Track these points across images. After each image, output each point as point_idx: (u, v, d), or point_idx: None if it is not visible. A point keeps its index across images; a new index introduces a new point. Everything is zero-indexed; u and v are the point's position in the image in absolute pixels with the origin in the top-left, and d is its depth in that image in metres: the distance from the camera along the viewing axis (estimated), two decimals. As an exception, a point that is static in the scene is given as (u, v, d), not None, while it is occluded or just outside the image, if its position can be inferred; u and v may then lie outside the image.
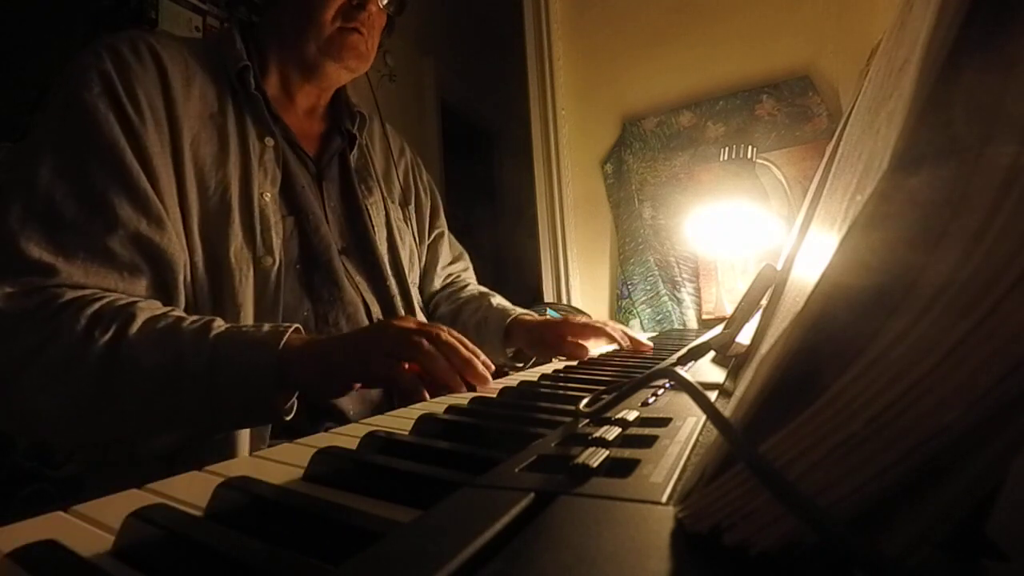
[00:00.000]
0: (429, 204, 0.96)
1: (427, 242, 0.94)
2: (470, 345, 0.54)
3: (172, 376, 0.49)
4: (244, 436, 0.58)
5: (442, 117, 2.40)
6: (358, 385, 0.53)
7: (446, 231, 0.98)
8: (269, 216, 0.65)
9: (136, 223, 0.55)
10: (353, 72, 0.74)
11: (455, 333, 0.53)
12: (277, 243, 0.64)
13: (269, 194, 0.66)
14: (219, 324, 0.52)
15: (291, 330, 0.52)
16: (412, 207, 0.91)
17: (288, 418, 0.52)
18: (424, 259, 0.94)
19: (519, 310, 0.88)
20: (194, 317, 0.54)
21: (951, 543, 0.15)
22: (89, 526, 0.22)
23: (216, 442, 0.57)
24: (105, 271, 0.54)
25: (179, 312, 0.56)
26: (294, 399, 0.52)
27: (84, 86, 0.56)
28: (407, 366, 0.51)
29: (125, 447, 0.57)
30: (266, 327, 0.52)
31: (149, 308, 0.53)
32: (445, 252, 0.97)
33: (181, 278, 0.58)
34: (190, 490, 0.25)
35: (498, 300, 0.91)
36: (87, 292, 0.53)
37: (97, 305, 0.51)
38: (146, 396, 0.49)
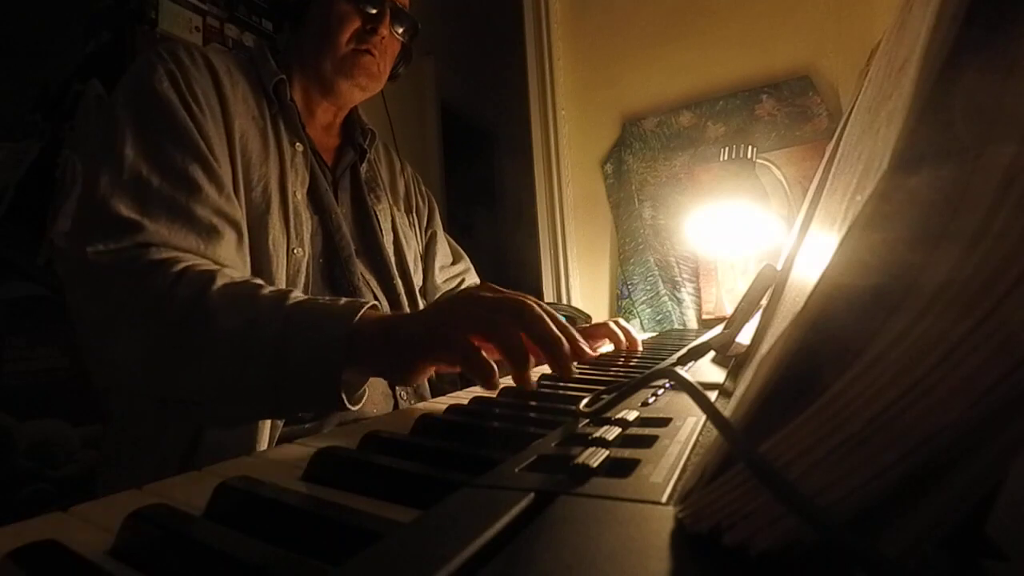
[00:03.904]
0: (427, 208, 1.04)
1: (424, 241, 1.01)
2: (560, 321, 0.47)
3: (245, 340, 0.48)
4: (264, 435, 0.59)
5: (442, 117, 2.40)
6: (433, 370, 0.48)
7: (440, 231, 1.05)
8: (301, 212, 0.71)
9: (214, 194, 0.61)
10: (365, 90, 0.80)
11: (544, 305, 0.47)
12: (306, 237, 0.70)
13: (300, 193, 0.72)
14: (296, 295, 0.51)
15: (368, 305, 0.48)
16: (414, 214, 0.99)
17: (356, 407, 0.48)
18: (423, 259, 1.00)
19: None
20: (272, 287, 0.54)
21: (951, 543, 0.15)
22: (89, 526, 0.22)
23: (238, 443, 0.58)
24: (186, 231, 0.58)
25: (259, 281, 0.56)
26: (364, 387, 0.50)
27: (156, 80, 0.62)
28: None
29: (194, 415, 0.57)
30: (343, 300, 0.50)
31: (230, 275, 0.55)
32: (442, 251, 1.02)
33: (245, 249, 0.64)
34: (190, 490, 0.25)
35: None
36: (174, 254, 0.56)
37: (182, 265, 0.54)
38: (218, 357, 0.49)
